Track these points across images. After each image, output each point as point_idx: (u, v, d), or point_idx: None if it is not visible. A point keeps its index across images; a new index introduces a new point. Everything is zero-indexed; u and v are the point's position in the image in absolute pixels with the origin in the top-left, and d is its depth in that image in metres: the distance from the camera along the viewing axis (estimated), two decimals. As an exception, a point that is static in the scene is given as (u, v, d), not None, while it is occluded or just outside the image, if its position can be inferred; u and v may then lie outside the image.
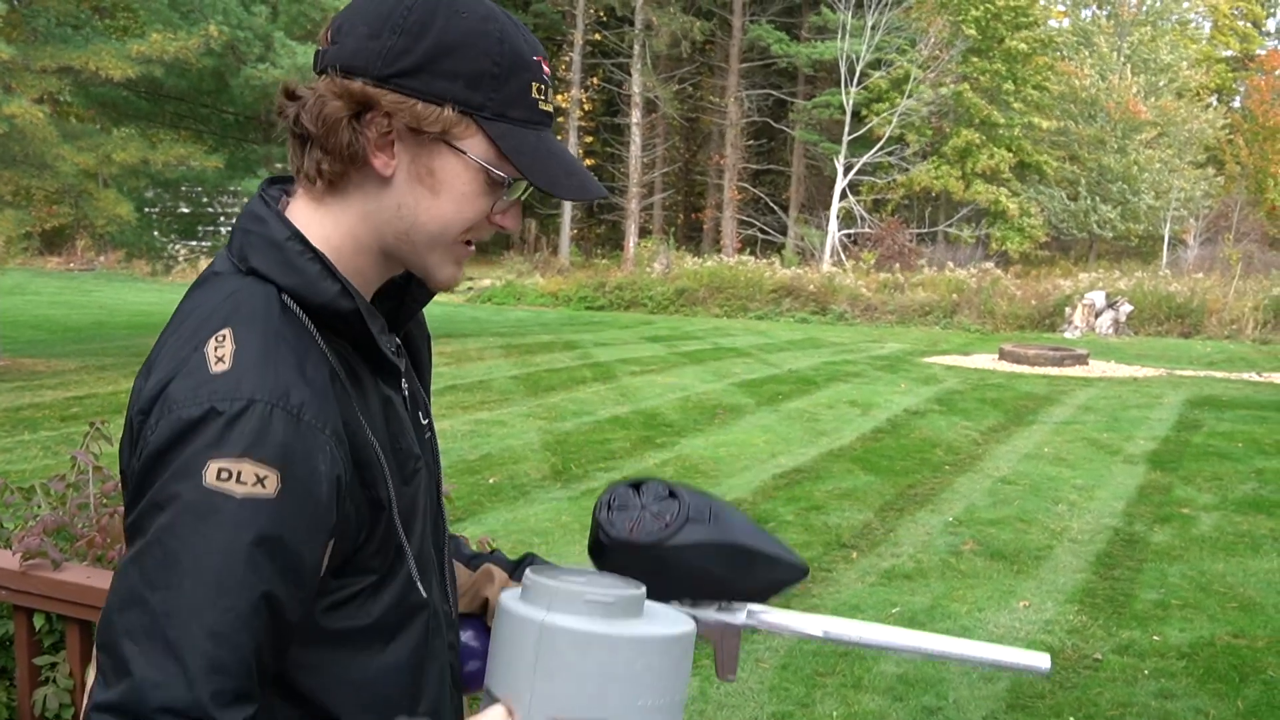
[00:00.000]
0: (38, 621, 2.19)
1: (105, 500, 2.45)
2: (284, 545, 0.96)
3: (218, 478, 0.94)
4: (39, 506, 2.54)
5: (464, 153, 1.06)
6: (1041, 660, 1.17)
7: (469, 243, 1.13)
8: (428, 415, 1.26)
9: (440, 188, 1.07)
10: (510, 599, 1.00)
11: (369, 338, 1.10)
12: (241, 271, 1.08)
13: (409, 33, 1.03)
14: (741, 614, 1.25)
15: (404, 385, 1.18)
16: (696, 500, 1.22)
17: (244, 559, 0.93)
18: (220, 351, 0.99)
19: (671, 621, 1.01)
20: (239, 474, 0.94)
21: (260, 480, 0.95)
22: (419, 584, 1.14)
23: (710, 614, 1.24)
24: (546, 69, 1.10)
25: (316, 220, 1.10)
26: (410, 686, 1.14)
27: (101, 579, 2.04)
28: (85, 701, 0.96)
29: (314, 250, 1.07)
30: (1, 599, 2.19)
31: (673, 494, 1.22)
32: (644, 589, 1.00)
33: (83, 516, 2.41)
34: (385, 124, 1.04)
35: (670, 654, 0.98)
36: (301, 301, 1.06)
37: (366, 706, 1.09)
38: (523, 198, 1.13)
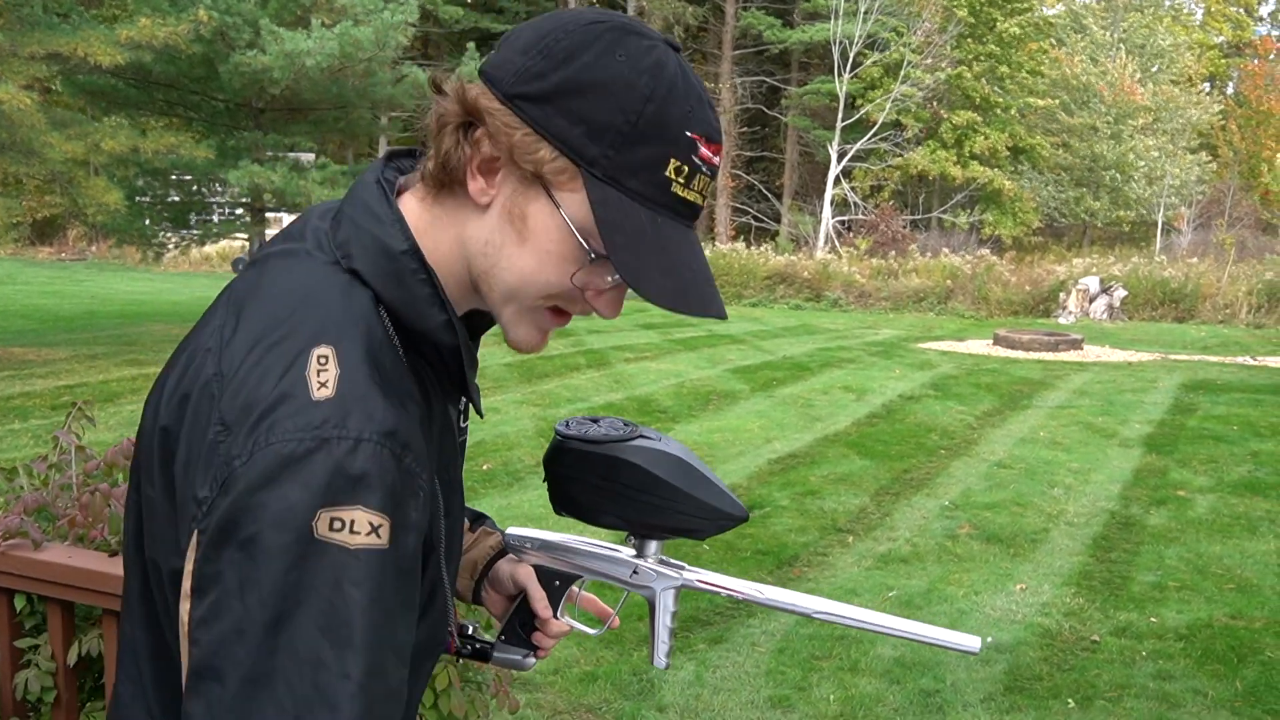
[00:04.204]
0: (18, 603, 2.15)
1: (88, 480, 2.40)
2: (398, 594, 0.89)
3: (330, 528, 0.84)
4: (21, 487, 2.49)
5: (558, 206, 0.94)
6: (972, 642, 1.19)
7: (558, 312, 1.02)
8: (466, 418, 1.20)
9: (528, 236, 0.96)
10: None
11: (460, 374, 1.02)
12: (339, 265, 0.98)
13: (553, 58, 0.93)
14: (680, 573, 1.28)
15: (462, 403, 1.13)
16: (651, 430, 1.26)
17: (370, 619, 0.86)
18: (324, 376, 0.89)
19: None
20: (352, 523, 0.85)
21: (375, 529, 0.86)
22: (451, 622, 1.10)
23: (650, 567, 1.27)
24: (706, 153, 0.95)
25: (425, 224, 1.01)
26: (407, 713, 1.09)
27: (83, 558, 1.99)
28: None
29: (427, 270, 0.98)
30: (-19, 580, 2.14)
31: (627, 424, 1.27)
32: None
33: (65, 496, 2.36)
34: (490, 147, 0.95)
35: None
36: (399, 320, 0.97)
37: None
38: (615, 282, 0.98)
